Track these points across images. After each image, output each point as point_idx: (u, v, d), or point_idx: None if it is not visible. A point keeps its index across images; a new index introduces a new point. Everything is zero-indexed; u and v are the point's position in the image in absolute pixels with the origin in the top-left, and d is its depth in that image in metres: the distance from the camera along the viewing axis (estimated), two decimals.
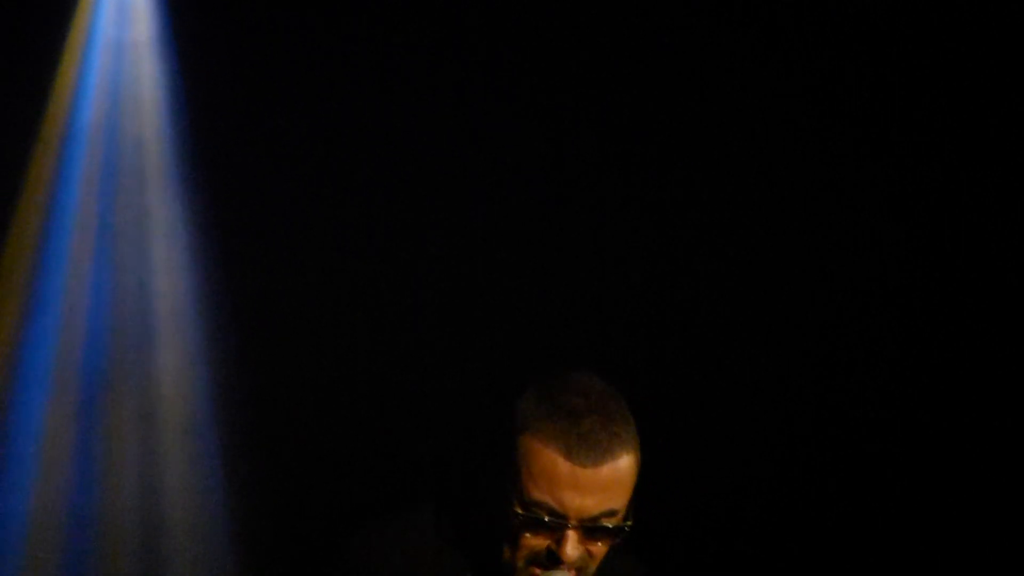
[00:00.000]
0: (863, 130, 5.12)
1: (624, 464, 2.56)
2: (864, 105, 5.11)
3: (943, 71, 5.04)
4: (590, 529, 2.54)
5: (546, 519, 2.53)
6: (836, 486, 5.16)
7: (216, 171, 5.31)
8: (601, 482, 2.53)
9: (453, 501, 2.68)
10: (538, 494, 2.52)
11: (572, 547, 2.54)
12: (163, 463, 5.29)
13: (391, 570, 2.60)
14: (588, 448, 2.52)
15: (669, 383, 5.09)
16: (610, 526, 2.55)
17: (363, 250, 5.29)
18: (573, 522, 2.53)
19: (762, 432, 5.17)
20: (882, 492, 5.13)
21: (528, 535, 2.54)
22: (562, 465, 2.52)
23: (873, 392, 5.15)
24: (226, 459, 5.32)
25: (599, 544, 2.57)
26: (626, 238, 5.18)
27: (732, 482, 5.18)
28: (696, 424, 5.16)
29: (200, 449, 5.33)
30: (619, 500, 2.57)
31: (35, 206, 5.28)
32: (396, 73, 5.25)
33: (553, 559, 2.55)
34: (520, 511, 2.53)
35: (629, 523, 2.57)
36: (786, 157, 5.17)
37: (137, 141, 5.35)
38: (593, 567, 2.60)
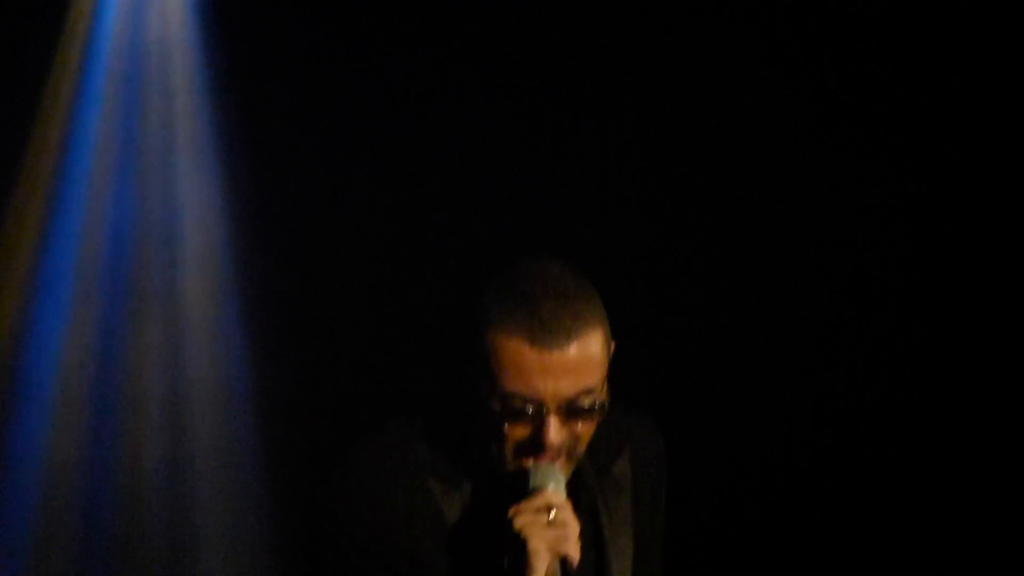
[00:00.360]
0: (864, 130, 5.11)
1: (591, 341, 2.57)
2: (865, 105, 5.09)
3: (943, 71, 5.02)
4: (570, 411, 2.56)
5: (524, 408, 2.54)
6: (836, 486, 5.18)
7: (243, 84, 5.25)
8: (571, 363, 2.54)
9: (432, 414, 2.70)
10: (511, 385, 2.54)
11: (555, 432, 2.56)
12: (189, 392, 5.27)
13: (388, 504, 2.62)
14: (551, 332, 2.53)
15: (669, 383, 5.10)
16: (588, 405, 2.56)
17: (385, 178, 5.28)
18: (551, 407, 2.55)
19: (762, 432, 5.18)
20: (882, 492, 5.15)
21: (510, 428, 2.56)
22: (529, 353, 2.53)
23: (873, 392, 5.16)
24: (253, 381, 5.30)
25: (581, 424, 2.58)
26: (626, 238, 5.21)
27: (732, 482, 5.21)
28: (696, 424, 5.15)
29: (228, 374, 5.30)
30: (593, 378, 2.57)
31: (57, 120, 5.18)
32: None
33: (538, 446, 2.57)
34: (498, 406, 2.55)
35: (608, 399, 2.58)
36: (786, 157, 5.16)
37: (163, 51, 5.24)
38: (582, 447, 2.63)
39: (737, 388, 5.20)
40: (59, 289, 5.24)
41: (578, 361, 2.54)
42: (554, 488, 2.56)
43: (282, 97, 5.22)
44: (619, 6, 5.19)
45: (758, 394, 5.18)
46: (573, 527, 2.55)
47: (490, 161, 5.21)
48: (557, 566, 2.54)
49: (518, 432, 2.57)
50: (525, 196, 5.20)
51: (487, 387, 2.56)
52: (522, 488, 2.56)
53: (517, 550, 2.54)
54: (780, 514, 5.18)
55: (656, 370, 5.03)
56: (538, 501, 2.54)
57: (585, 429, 2.59)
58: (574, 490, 2.64)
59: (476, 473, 2.65)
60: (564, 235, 5.13)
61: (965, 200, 5.06)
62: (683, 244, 5.24)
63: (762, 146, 5.18)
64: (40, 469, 5.24)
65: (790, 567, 5.16)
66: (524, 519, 2.53)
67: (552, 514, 2.53)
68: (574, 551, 2.55)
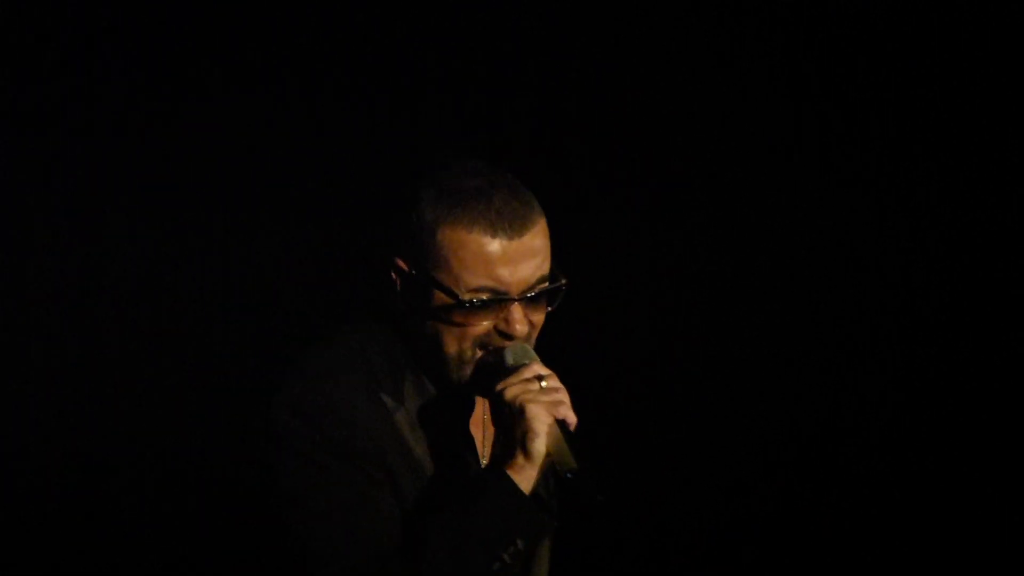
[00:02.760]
0: (864, 130, 5.10)
1: (543, 227, 2.62)
2: (865, 105, 5.08)
3: (943, 71, 5.00)
4: (532, 298, 2.60)
5: (490, 301, 2.57)
6: (835, 486, 5.17)
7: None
8: (531, 249, 2.59)
9: (367, 333, 2.68)
10: (476, 279, 2.56)
11: (520, 320, 2.60)
12: None
13: (349, 413, 2.59)
14: (510, 221, 2.57)
15: (668, 383, 5.17)
16: (546, 292, 2.62)
17: None
18: (515, 295, 2.58)
19: (762, 432, 5.17)
20: (881, 493, 5.13)
21: (474, 322, 2.59)
22: (491, 244, 2.55)
23: (873, 392, 5.14)
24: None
25: (539, 313, 2.64)
26: (624, 238, 5.21)
27: (731, 482, 5.20)
28: (695, 424, 5.21)
29: None
30: (547, 264, 2.63)
31: None
32: None
33: (502, 337, 2.61)
34: (465, 300, 2.56)
35: (565, 283, 2.64)
36: (785, 156, 5.17)
37: None
38: (535, 336, 2.67)
39: (736, 388, 5.18)
40: None
41: (536, 247, 2.59)
42: (535, 360, 2.60)
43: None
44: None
45: (757, 394, 5.16)
46: (564, 392, 2.58)
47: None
48: (558, 431, 2.55)
49: (480, 326, 2.59)
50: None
51: (447, 286, 2.55)
52: (493, 373, 2.58)
53: (513, 422, 2.53)
54: (779, 514, 5.16)
55: (655, 369, 5.11)
56: (526, 372, 2.56)
57: (539, 318, 2.64)
58: None
59: (419, 387, 2.66)
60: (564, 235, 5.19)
61: (965, 200, 5.02)
62: (683, 244, 5.22)
63: (760, 146, 5.17)
64: None
65: (790, 567, 5.15)
66: (516, 389, 2.54)
67: (544, 381, 2.56)
68: (571, 414, 2.57)
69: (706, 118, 5.17)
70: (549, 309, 2.65)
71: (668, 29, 5.15)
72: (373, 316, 2.70)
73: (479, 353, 2.63)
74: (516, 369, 2.58)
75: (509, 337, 2.62)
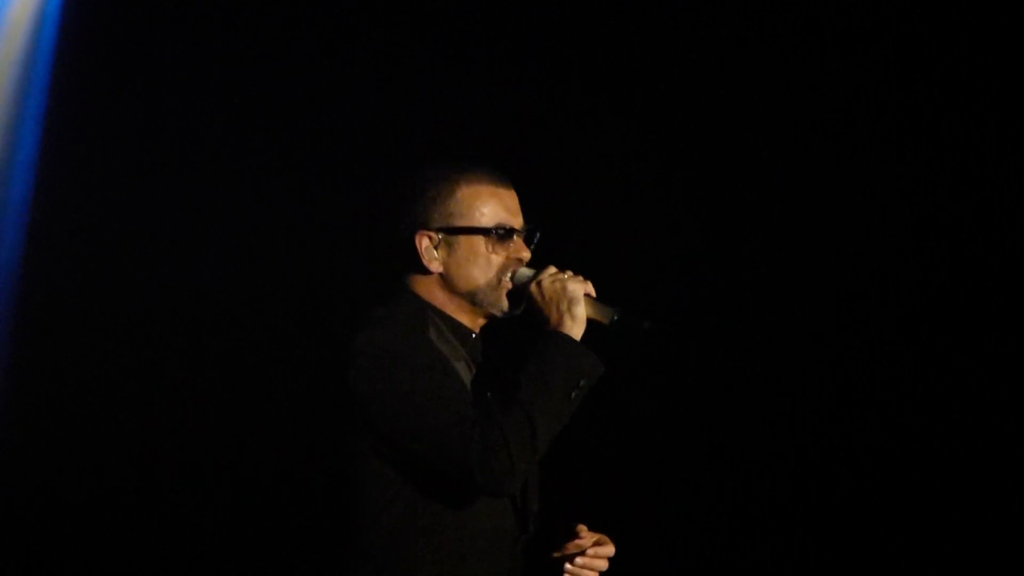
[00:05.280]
0: (865, 130, 5.18)
1: None
2: (866, 105, 5.16)
3: (943, 71, 5.09)
4: (526, 236, 3.38)
5: (509, 232, 3.34)
6: (836, 486, 5.21)
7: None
8: (517, 199, 3.38)
9: (396, 303, 3.35)
10: (496, 216, 3.34)
11: (525, 249, 3.37)
12: None
13: (412, 338, 3.26)
14: (500, 177, 3.38)
15: (668, 382, 5.25)
16: (534, 228, 3.38)
17: None
18: (522, 230, 3.37)
19: (762, 431, 5.23)
20: (881, 492, 5.17)
21: (499, 251, 3.34)
22: (498, 191, 3.36)
23: (873, 392, 5.19)
24: None
25: (528, 249, 3.38)
26: (625, 237, 5.30)
27: (731, 482, 5.26)
28: (695, 424, 5.27)
29: None
30: None
31: None
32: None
33: (517, 262, 3.35)
34: (492, 230, 3.32)
35: (539, 231, 3.38)
36: (785, 157, 5.24)
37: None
38: None
39: (737, 388, 5.24)
40: None
41: (517, 197, 3.38)
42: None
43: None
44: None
45: (758, 394, 5.21)
46: (583, 278, 3.31)
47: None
48: (591, 300, 3.28)
49: (502, 256, 3.34)
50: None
51: (475, 226, 3.31)
52: (520, 292, 3.31)
53: (557, 301, 3.25)
54: (779, 514, 5.20)
55: (655, 369, 5.16)
56: (551, 269, 3.33)
57: (528, 255, 3.37)
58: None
59: (440, 335, 3.31)
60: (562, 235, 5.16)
61: (965, 200, 5.09)
62: (683, 243, 5.30)
63: (759, 146, 5.23)
64: None
65: (790, 567, 5.18)
66: (549, 279, 3.30)
67: (567, 273, 3.31)
68: (592, 289, 3.30)
69: (707, 117, 5.29)
70: (531, 248, 3.37)
71: (669, 28, 5.29)
72: (399, 290, 3.38)
73: (505, 281, 3.34)
74: (540, 273, 3.31)
75: (521, 262, 3.35)
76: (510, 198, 3.36)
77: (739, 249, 5.33)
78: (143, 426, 5.57)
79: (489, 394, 3.26)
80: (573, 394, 3.19)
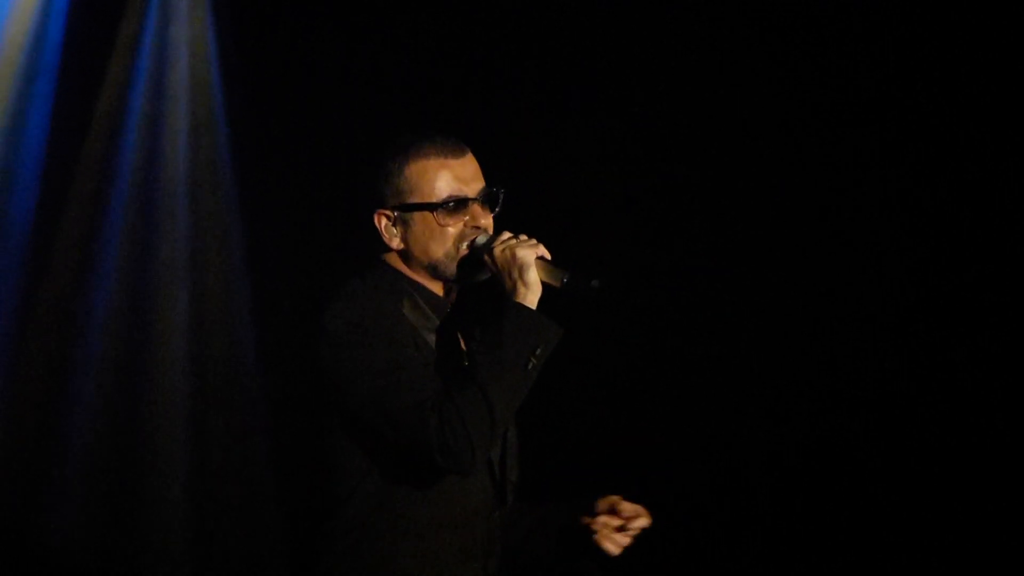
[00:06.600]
0: (864, 131, 5.16)
1: (472, 154, 3.39)
2: (865, 105, 5.14)
3: (943, 71, 5.06)
4: (484, 201, 3.37)
5: (459, 201, 3.34)
6: (835, 486, 5.18)
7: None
8: (473, 166, 3.38)
9: (371, 275, 3.37)
10: (444, 190, 3.33)
11: (481, 215, 3.36)
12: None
13: (381, 313, 3.27)
14: (451, 148, 3.37)
15: (667, 382, 5.24)
16: (493, 191, 3.38)
17: None
18: (477, 197, 3.36)
19: (761, 432, 5.22)
20: (881, 493, 5.15)
21: (451, 223, 3.34)
22: (445, 164, 3.35)
23: (872, 392, 5.17)
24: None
25: (490, 216, 3.37)
26: (623, 237, 5.31)
27: (730, 482, 5.25)
28: (694, 424, 5.27)
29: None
30: (484, 179, 3.41)
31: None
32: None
33: (474, 230, 3.34)
34: (439, 204, 3.31)
35: (503, 190, 3.39)
36: (784, 157, 5.23)
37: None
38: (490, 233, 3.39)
39: (736, 388, 5.24)
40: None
41: (475, 166, 3.39)
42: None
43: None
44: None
45: (757, 394, 5.21)
46: (534, 240, 3.32)
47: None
48: (542, 263, 3.27)
49: (456, 227, 3.33)
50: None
51: (424, 202, 3.32)
52: (476, 260, 3.31)
53: (509, 268, 3.25)
54: (779, 514, 5.21)
55: (655, 369, 5.19)
56: (504, 235, 3.34)
57: (490, 220, 3.38)
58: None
59: (415, 305, 3.34)
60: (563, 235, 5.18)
61: (965, 200, 5.06)
62: (682, 244, 5.30)
63: (759, 146, 5.24)
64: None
65: (789, 567, 5.20)
66: (501, 246, 3.30)
67: (520, 236, 3.32)
68: (546, 251, 3.30)
69: (706, 118, 5.27)
70: (496, 211, 3.38)
71: (666, 30, 5.28)
72: (377, 263, 3.41)
73: (460, 248, 3.35)
74: (492, 241, 3.31)
75: (476, 230, 3.35)
76: (461, 167, 3.37)
77: (737, 249, 5.30)
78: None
79: (451, 370, 3.25)
80: (530, 364, 3.18)
